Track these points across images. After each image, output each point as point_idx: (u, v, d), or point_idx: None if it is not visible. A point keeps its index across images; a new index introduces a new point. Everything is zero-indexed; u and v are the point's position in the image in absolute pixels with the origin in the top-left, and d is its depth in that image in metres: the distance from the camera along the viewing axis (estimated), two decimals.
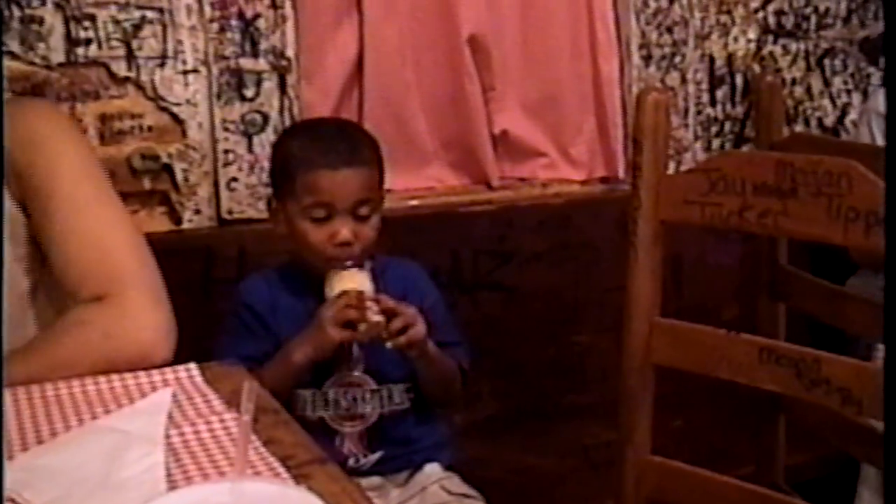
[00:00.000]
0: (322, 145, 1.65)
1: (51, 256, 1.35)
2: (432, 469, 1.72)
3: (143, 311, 1.30)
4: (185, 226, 1.96)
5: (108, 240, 1.35)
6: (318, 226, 1.64)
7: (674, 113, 2.25)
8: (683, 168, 2.26)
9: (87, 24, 1.85)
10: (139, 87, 1.91)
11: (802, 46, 2.42)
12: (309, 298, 1.67)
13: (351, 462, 1.68)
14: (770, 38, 2.38)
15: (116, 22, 1.87)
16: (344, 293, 1.59)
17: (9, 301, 1.30)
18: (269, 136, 1.98)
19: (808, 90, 2.45)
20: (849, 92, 2.49)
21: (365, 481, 1.68)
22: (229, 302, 1.72)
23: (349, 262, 1.63)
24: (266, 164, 1.89)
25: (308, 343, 1.61)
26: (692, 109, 2.32)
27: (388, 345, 1.60)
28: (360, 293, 1.59)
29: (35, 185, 1.34)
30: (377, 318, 1.58)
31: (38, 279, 1.38)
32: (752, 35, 2.36)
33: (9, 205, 1.33)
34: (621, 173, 2.27)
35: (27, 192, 1.34)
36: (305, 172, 1.64)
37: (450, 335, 1.76)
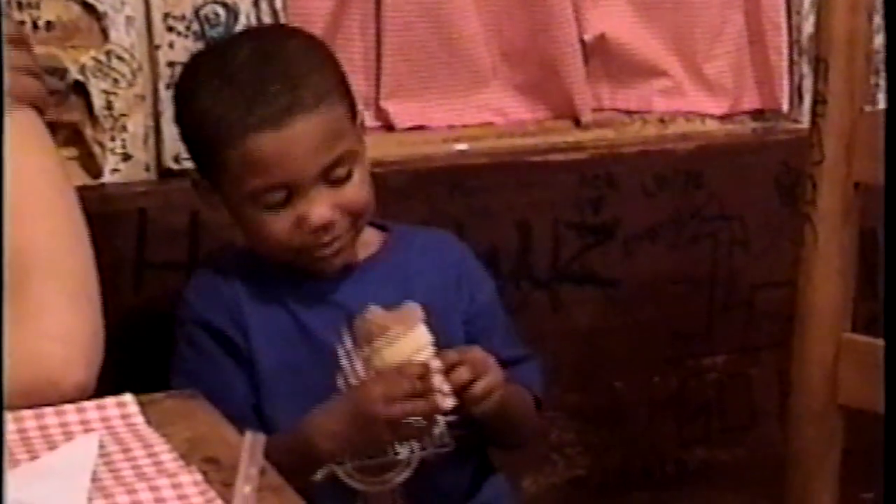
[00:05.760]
0: (246, 88, 1.63)
1: None
2: None
3: (50, 312, 1.32)
4: (108, 178, 1.97)
5: (18, 210, 1.34)
6: (276, 213, 1.64)
7: (877, 11, 2.23)
8: None
9: None
10: None
11: None
12: (288, 297, 1.70)
13: None
14: None
15: None
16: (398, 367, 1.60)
17: None
18: None
19: None
20: None
21: None
22: (179, 315, 1.73)
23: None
24: None
25: (343, 436, 1.62)
26: None
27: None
28: (424, 366, 1.59)
29: None
30: (449, 402, 1.60)
31: None
32: None
33: None
34: (785, 105, 2.28)
35: None
36: (234, 141, 1.62)
37: (513, 347, 1.80)
